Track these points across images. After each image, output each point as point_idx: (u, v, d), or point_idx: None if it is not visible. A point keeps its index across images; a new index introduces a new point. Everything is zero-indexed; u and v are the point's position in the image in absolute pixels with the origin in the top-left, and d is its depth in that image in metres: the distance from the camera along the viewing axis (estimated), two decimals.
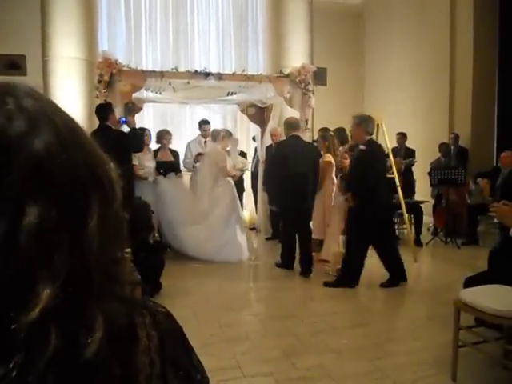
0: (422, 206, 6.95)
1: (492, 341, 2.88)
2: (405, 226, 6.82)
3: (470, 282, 3.12)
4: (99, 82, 6.33)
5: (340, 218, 5.02)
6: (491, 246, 4.40)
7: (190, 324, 3.77)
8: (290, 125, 5.51)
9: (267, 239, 7.16)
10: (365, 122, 4.77)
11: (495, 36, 8.02)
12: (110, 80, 6.33)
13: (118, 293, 0.48)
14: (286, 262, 5.34)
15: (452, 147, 7.83)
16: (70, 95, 7.13)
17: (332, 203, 5.39)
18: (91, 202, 0.45)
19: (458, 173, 6.58)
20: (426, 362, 3.05)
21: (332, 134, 5.94)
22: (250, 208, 8.10)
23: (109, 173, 0.50)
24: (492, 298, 2.67)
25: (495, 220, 5.90)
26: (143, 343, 0.48)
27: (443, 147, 7.69)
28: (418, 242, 6.50)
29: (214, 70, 7.41)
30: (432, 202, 7.45)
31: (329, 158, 5.61)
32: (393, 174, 5.96)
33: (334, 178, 5.57)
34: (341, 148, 6.40)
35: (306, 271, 5.12)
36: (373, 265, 5.76)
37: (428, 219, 7.45)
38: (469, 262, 5.27)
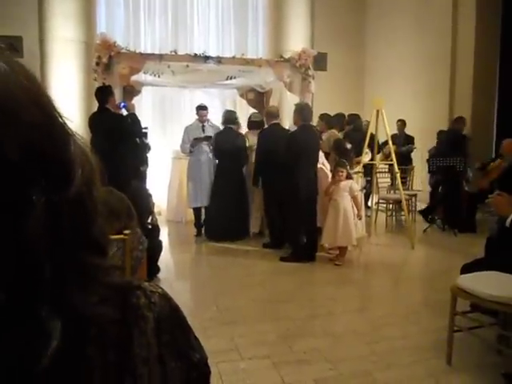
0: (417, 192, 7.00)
1: (487, 326, 2.92)
2: (403, 213, 6.84)
3: (467, 269, 3.14)
4: (97, 64, 6.27)
5: (351, 203, 5.03)
6: (488, 233, 4.41)
7: (188, 307, 3.79)
8: (271, 114, 5.72)
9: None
10: (301, 110, 5.23)
11: (497, 24, 7.95)
12: (108, 62, 6.26)
13: (102, 280, 0.46)
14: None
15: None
16: (68, 77, 7.07)
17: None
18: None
19: (457, 160, 6.57)
20: (422, 346, 3.09)
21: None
22: None
23: (82, 146, 0.44)
24: (488, 284, 2.70)
25: (492, 209, 5.91)
26: (139, 326, 0.47)
27: (440, 135, 7.65)
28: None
29: (213, 54, 7.34)
30: (429, 189, 7.47)
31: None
32: (392, 160, 5.96)
33: (326, 161, 5.60)
34: (340, 133, 6.41)
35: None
36: (371, 251, 5.80)
37: (424, 206, 7.47)
38: (466, 250, 5.29)
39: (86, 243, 0.44)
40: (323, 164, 5.53)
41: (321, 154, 5.55)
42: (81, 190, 0.42)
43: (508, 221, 2.66)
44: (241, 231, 6.11)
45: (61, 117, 0.42)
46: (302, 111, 5.25)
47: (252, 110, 7.83)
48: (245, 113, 8.05)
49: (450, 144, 6.86)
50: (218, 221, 6.00)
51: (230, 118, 6.22)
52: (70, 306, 0.41)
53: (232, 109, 7.36)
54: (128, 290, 0.50)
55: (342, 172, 4.97)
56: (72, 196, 0.40)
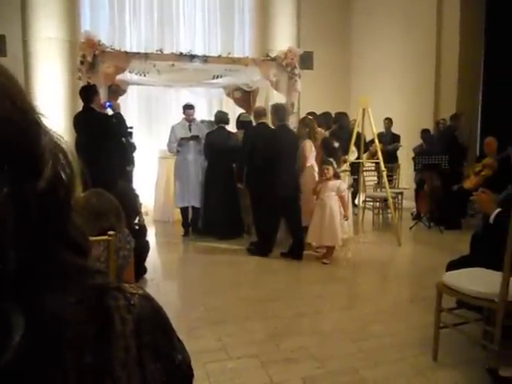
0: (403, 190, 7.05)
1: (472, 322, 2.95)
2: (390, 211, 6.90)
3: (453, 266, 3.17)
4: (81, 63, 6.19)
5: (338, 204, 5.04)
6: (473, 230, 4.47)
7: (175, 308, 3.77)
8: (259, 113, 5.78)
9: None
10: (276, 111, 5.35)
11: (481, 22, 8.04)
12: (92, 61, 6.19)
13: (83, 281, 0.46)
14: (263, 250, 5.29)
15: (435, 134, 7.86)
16: (52, 77, 6.98)
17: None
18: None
19: (442, 158, 6.64)
20: (409, 343, 3.11)
21: (311, 118, 5.97)
22: None
23: (59, 143, 0.44)
24: (473, 280, 2.73)
25: (476, 206, 5.98)
26: (117, 328, 0.46)
27: (424, 134, 7.71)
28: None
29: (199, 53, 7.30)
30: (414, 186, 7.55)
31: (309, 143, 5.61)
32: (378, 158, 6.01)
33: (315, 163, 5.60)
34: (326, 132, 6.42)
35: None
36: (358, 249, 5.83)
37: (410, 204, 7.55)
38: (452, 246, 5.35)
39: (62, 241, 0.44)
40: (312, 165, 5.54)
41: (313, 154, 5.57)
42: (52, 183, 0.41)
43: (491, 217, 2.70)
44: (234, 229, 6.13)
45: (36, 113, 0.42)
46: (277, 112, 5.35)
47: (238, 109, 7.84)
48: (231, 112, 8.04)
49: (448, 141, 6.93)
50: (212, 220, 6.02)
51: (222, 117, 6.21)
52: (42, 305, 0.41)
53: (218, 108, 7.36)
54: (106, 291, 0.48)
55: (328, 169, 4.98)
56: (41, 189, 0.40)
